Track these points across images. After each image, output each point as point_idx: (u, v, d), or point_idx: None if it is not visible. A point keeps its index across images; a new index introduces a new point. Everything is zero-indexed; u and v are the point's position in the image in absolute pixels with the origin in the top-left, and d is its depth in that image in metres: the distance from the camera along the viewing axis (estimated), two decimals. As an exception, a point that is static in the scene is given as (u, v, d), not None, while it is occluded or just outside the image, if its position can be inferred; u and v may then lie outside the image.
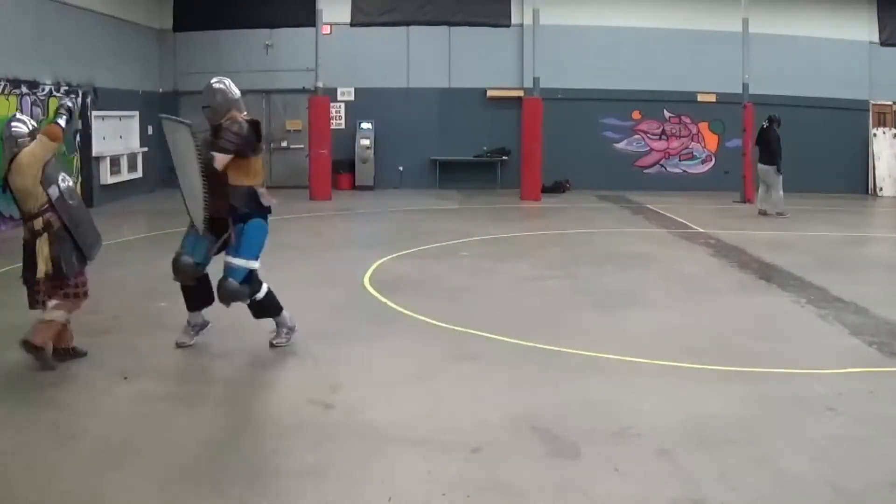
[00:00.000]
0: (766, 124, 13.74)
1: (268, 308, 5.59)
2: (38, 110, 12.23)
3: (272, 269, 8.68)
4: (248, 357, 5.52)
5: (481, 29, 17.61)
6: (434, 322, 6.43)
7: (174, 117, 5.27)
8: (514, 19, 17.60)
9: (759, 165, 13.73)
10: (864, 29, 17.97)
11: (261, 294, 5.47)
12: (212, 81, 5.49)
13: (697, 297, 7.63)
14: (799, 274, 8.49)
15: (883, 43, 18.02)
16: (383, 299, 7.21)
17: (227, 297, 5.35)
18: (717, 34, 17.06)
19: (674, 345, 5.87)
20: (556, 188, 17.24)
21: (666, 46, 17.34)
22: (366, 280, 8.03)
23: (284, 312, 5.66)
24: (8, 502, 3.43)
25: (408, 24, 17.56)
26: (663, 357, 5.52)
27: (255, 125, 5.40)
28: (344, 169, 17.33)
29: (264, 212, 5.43)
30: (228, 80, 5.54)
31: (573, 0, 17.31)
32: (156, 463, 3.82)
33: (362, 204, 15.05)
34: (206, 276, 5.57)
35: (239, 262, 5.29)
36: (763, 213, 13.62)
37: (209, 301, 5.62)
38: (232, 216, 5.30)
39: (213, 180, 5.17)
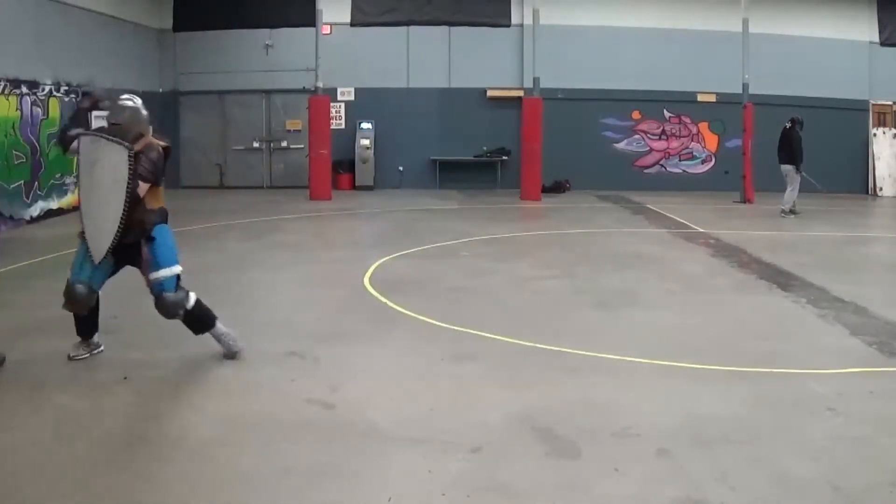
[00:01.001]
0: (788, 125, 13.72)
1: (202, 318, 5.34)
2: (38, 110, 12.24)
3: (273, 270, 8.74)
4: (248, 357, 5.51)
5: (481, 29, 17.62)
6: (434, 322, 6.43)
7: (111, 137, 4.96)
8: (514, 19, 17.62)
9: (782, 166, 13.70)
10: (864, 29, 17.99)
11: (190, 302, 5.25)
12: (122, 98, 5.23)
13: (697, 297, 7.63)
14: (799, 274, 8.49)
15: (883, 43, 18.04)
16: (383, 299, 7.21)
17: (170, 310, 5.16)
18: (717, 34, 17.09)
19: (674, 345, 5.87)
20: (556, 188, 17.26)
21: (666, 46, 17.36)
22: (366, 280, 8.03)
23: (219, 323, 5.41)
24: (8, 502, 3.43)
25: (408, 24, 17.58)
26: (663, 357, 5.52)
27: (167, 151, 5.26)
28: (344, 169, 17.34)
29: (166, 220, 5.27)
30: (139, 98, 5.29)
31: (573, 0, 17.33)
32: (156, 463, 3.82)
33: (362, 204, 15.05)
34: (97, 302, 5.34)
35: (164, 273, 5.12)
36: (795, 213, 13.60)
37: (96, 328, 5.44)
38: (143, 237, 5.13)
39: (131, 206, 5.03)
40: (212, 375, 5.15)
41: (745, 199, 15.70)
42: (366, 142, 17.48)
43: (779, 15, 17.38)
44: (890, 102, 18.19)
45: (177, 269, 5.19)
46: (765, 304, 7.35)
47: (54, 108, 12.76)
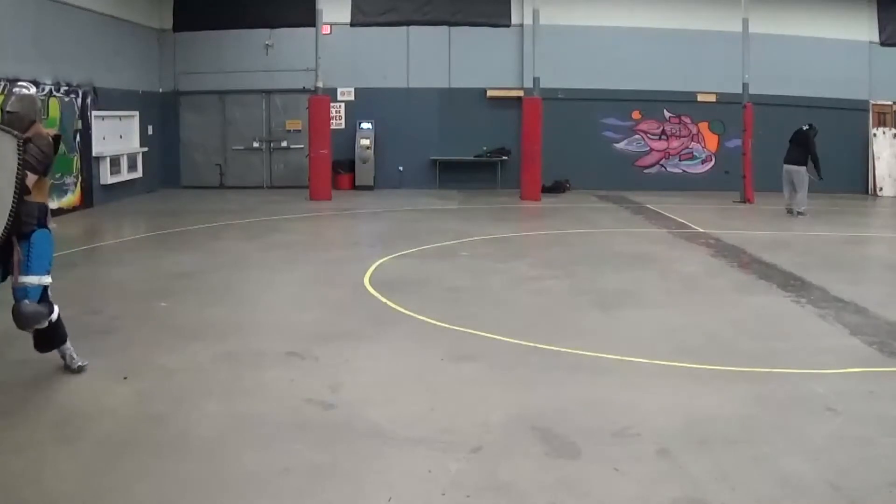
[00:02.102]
0: (805, 127, 13.77)
1: (57, 334, 4.99)
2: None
3: (273, 269, 8.74)
4: (248, 357, 5.52)
5: (481, 29, 17.61)
6: (434, 322, 6.43)
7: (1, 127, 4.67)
8: (514, 19, 17.61)
9: (789, 166, 13.75)
10: (864, 29, 17.98)
11: (54, 315, 4.89)
12: (19, 85, 5.03)
13: (697, 297, 7.63)
14: (799, 274, 8.49)
15: (883, 43, 18.04)
16: (383, 299, 7.21)
17: (26, 321, 4.75)
18: (717, 34, 17.08)
19: (674, 345, 5.87)
20: (556, 188, 17.25)
21: (666, 46, 17.35)
22: (366, 280, 8.03)
23: (68, 342, 5.09)
24: (8, 502, 3.43)
25: (408, 24, 17.57)
26: (663, 357, 5.52)
27: (57, 141, 5.03)
28: (344, 169, 17.34)
29: (46, 224, 4.93)
30: (33, 86, 5.09)
31: (573, 0, 17.33)
32: (156, 463, 3.82)
33: (362, 204, 15.05)
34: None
35: (31, 279, 4.73)
36: (790, 212, 13.72)
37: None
38: (17, 234, 4.74)
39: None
40: (212, 375, 5.15)
41: (745, 199, 15.70)
42: (366, 142, 17.48)
43: (779, 15, 17.37)
44: (890, 102, 18.18)
45: (46, 279, 4.82)
46: (765, 304, 7.35)
47: (54, 108, 12.75)
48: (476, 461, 3.85)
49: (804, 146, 13.66)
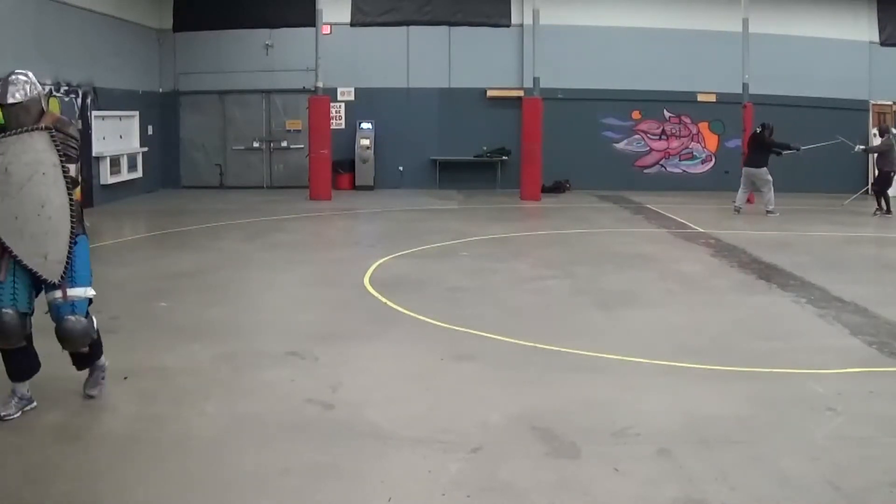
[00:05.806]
0: (758, 129, 14.06)
1: (99, 350, 4.59)
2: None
3: (273, 270, 8.74)
4: (248, 357, 5.52)
5: (481, 29, 17.61)
6: (434, 322, 6.43)
7: (18, 130, 4.15)
8: (514, 19, 17.61)
9: (747, 168, 14.14)
10: (864, 29, 17.98)
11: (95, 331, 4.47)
12: (16, 74, 4.38)
13: (697, 297, 7.63)
14: (799, 274, 8.49)
15: (883, 43, 18.04)
16: (383, 299, 7.21)
17: (79, 339, 4.27)
18: (717, 34, 17.08)
19: (674, 345, 5.87)
20: (556, 188, 17.26)
21: (666, 46, 17.34)
22: (366, 280, 8.03)
23: (103, 358, 4.67)
24: (8, 502, 3.43)
25: (408, 24, 17.57)
26: (663, 357, 5.52)
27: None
28: (344, 169, 17.34)
29: (83, 226, 4.46)
30: (31, 73, 4.43)
31: (573, 0, 17.33)
32: (156, 463, 3.82)
33: (362, 204, 15.05)
34: (30, 333, 4.32)
35: (79, 291, 4.26)
36: (737, 211, 14.04)
37: (38, 365, 4.42)
38: None
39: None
40: (212, 376, 5.15)
41: (745, 199, 15.69)
42: (366, 142, 17.47)
43: (779, 15, 17.37)
44: (890, 102, 18.17)
45: (91, 292, 4.38)
46: (765, 304, 7.35)
47: (54, 108, 12.73)
48: (476, 461, 3.85)
49: (760, 148, 13.95)
